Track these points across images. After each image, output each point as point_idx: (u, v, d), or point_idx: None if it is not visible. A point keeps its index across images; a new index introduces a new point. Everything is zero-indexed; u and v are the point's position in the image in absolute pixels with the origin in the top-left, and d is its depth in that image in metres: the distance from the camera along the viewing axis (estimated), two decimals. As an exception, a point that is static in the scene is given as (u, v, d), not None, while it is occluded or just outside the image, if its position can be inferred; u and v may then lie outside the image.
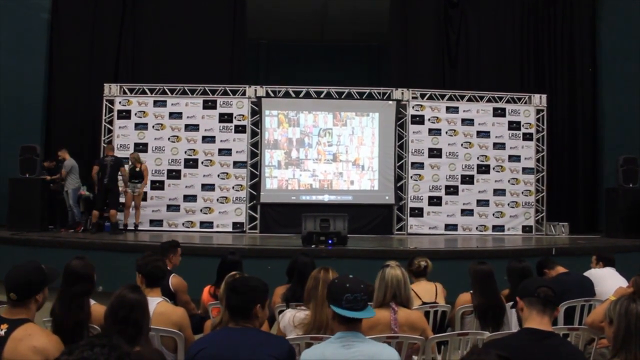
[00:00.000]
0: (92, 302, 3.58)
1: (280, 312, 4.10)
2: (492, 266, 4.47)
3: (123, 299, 2.87)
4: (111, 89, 11.61)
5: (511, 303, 4.29)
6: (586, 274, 5.31)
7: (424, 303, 4.54)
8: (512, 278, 4.63)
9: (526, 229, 11.94)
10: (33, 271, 2.96)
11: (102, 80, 11.77)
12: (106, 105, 11.58)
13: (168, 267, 5.30)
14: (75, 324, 3.23)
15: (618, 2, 12.59)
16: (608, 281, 5.00)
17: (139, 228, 10.86)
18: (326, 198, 11.64)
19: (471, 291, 4.46)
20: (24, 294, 2.87)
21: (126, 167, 10.68)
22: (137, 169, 10.60)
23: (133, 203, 10.73)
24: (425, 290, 4.68)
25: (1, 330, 2.75)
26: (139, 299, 2.92)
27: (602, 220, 11.91)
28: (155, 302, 3.76)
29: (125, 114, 11.58)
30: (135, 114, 11.57)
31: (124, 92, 11.66)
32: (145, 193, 11.30)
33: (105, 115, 11.57)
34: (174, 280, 4.94)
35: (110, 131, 11.56)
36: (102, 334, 2.76)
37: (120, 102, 11.59)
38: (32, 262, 3.07)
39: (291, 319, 3.66)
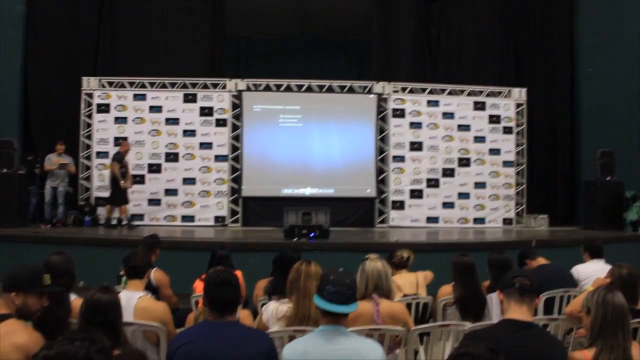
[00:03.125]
0: (73, 296, 3.55)
1: (263, 305, 4.10)
2: (473, 258, 4.51)
3: (98, 302, 2.83)
4: (90, 83, 11.47)
5: (493, 294, 4.36)
6: (572, 270, 5.35)
7: (405, 295, 4.57)
8: (493, 270, 4.68)
9: (507, 221, 12.06)
10: (27, 270, 2.92)
11: (80, 73, 11.60)
12: (85, 99, 11.43)
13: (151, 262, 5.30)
14: (55, 320, 3.19)
15: (596, -4, 12.73)
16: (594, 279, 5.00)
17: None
18: (308, 191, 11.63)
19: (453, 283, 4.50)
20: (6, 287, 2.84)
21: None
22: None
23: None
24: (407, 282, 4.71)
25: None
26: (113, 298, 2.90)
27: (580, 212, 12.08)
28: (136, 296, 3.74)
29: (104, 108, 11.45)
30: (115, 108, 11.45)
31: (103, 86, 11.52)
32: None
33: (84, 109, 11.43)
34: (156, 275, 4.92)
35: (89, 125, 11.42)
36: (82, 329, 2.73)
37: (99, 96, 11.45)
38: (38, 266, 3.05)
39: (274, 312, 3.66)
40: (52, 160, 10.45)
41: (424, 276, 4.90)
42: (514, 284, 2.82)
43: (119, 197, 10.31)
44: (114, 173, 10.24)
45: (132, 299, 3.71)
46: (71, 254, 3.83)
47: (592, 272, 5.14)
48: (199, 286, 4.65)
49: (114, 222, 10.46)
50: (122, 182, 10.19)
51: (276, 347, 2.99)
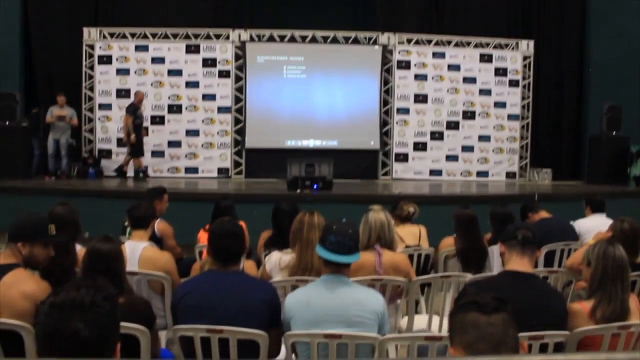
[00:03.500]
0: (78, 247, 3.59)
1: (266, 255, 4.15)
2: (475, 211, 4.53)
3: (99, 252, 2.87)
4: (90, 34, 11.31)
5: (494, 246, 4.39)
6: (574, 225, 5.36)
7: (407, 247, 4.61)
8: (495, 222, 4.70)
9: (510, 175, 12.06)
10: (32, 220, 2.95)
11: (81, 24, 11.43)
12: (86, 50, 11.30)
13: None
14: (61, 269, 3.24)
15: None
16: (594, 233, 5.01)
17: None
18: (311, 143, 11.61)
19: (454, 235, 4.53)
20: (13, 237, 2.87)
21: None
22: None
23: None
24: (410, 233, 4.75)
25: None
26: (114, 248, 2.93)
27: (584, 167, 12.03)
28: (141, 246, 3.79)
29: (106, 60, 11.32)
30: (117, 59, 11.32)
31: (104, 37, 11.36)
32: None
33: (86, 61, 11.31)
34: (160, 226, 4.96)
35: (91, 77, 11.32)
36: (87, 276, 2.78)
37: (100, 47, 11.31)
38: (43, 216, 3.08)
39: (277, 262, 3.71)
40: (53, 113, 10.39)
41: (425, 229, 4.92)
42: (516, 236, 2.84)
43: (134, 148, 10.25)
44: (127, 126, 10.16)
45: (136, 249, 3.76)
46: (76, 205, 3.85)
47: (593, 226, 5.15)
48: (202, 237, 4.70)
49: (130, 173, 10.45)
50: (132, 135, 10.05)
51: (279, 295, 3.04)
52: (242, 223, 3.57)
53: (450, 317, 1.71)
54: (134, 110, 10.16)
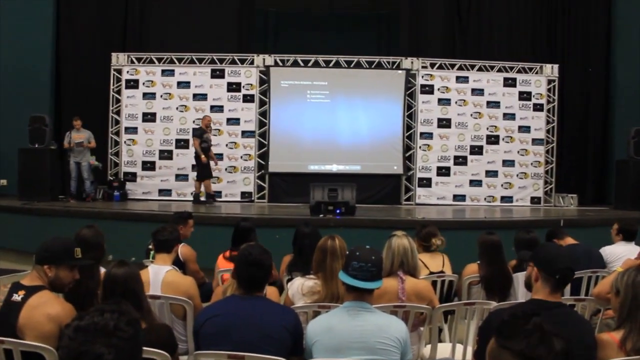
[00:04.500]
0: (102, 270, 3.62)
1: (288, 280, 4.14)
2: (500, 237, 4.47)
3: (114, 277, 2.91)
4: (119, 59, 11.57)
5: (519, 273, 4.32)
6: (601, 251, 5.26)
7: (431, 273, 4.56)
8: (520, 249, 4.64)
9: (535, 200, 11.92)
10: (59, 244, 2.99)
11: (109, 49, 11.72)
12: (114, 74, 11.55)
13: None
14: (85, 292, 3.27)
15: (634, -29, 12.31)
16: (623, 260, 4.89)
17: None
18: (334, 168, 11.63)
19: (478, 261, 4.47)
20: (39, 260, 2.92)
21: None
22: None
23: None
24: (433, 260, 4.70)
25: (18, 296, 2.81)
26: (130, 271, 2.96)
27: (611, 192, 11.84)
28: (164, 270, 3.81)
29: (133, 84, 11.55)
30: (143, 84, 11.54)
31: (132, 62, 11.61)
32: (154, 162, 11.41)
33: (113, 85, 11.55)
34: (183, 250, 4.98)
35: (118, 101, 11.55)
36: (112, 301, 2.80)
37: (127, 72, 11.55)
38: (70, 240, 3.12)
39: (300, 287, 3.69)
40: (71, 137, 10.51)
41: (448, 258, 4.86)
42: (555, 274, 2.68)
43: (201, 171, 10.35)
44: (195, 148, 10.27)
45: (159, 273, 3.78)
46: (101, 228, 3.90)
47: (621, 253, 5.05)
48: (221, 263, 4.71)
49: (202, 198, 10.47)
50: (202, 157, 10.18)
51: (301, 322, 3.02)
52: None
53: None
54: (200, 134, 10.27)
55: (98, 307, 1.53)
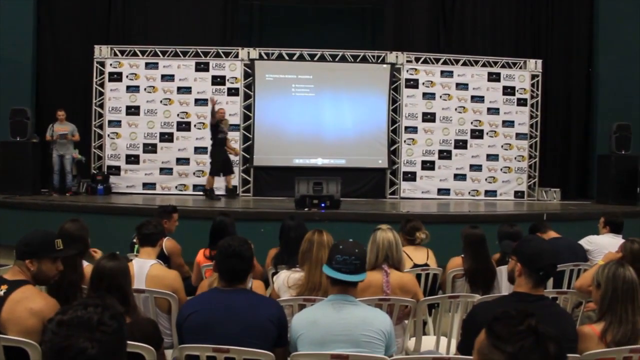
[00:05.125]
0: (86, 263, 3.61)
1: (274, 274, 4.14)
2: (484, 231, 4.51)
3: (103, 269, 2.90)
4: (102, 51, 11.44)
5: (502, 266, 4.36)
6: (585, 239, 5.31)
7: (415, 265, 4.59)
8: (503, 242, 4.69)
9: (518, 194, 12.01)
10: (39, 237, 2.96)
11: (92, 41, 11.59)
12: (97, 67, 11.43)
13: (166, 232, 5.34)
14: (69, 285, 3.25)
15: (616, -34, 12.41)
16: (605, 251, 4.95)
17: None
18: (319, 162, 11.62)
19: (462, 255, 4.51)
20: (20, 255, 2.88)
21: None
22: None
23: None
24: (417, 253, 4.72)
25: (1, 290, 2.78)
26: (120, 265, 2.95)
27: (593, 186, 11.98)
28: (148, 264, 3.80)
29: (116, 77, 11.44)
30: (127, 77, 11.44)
31: (115, 54, 11.49)
32: (138, 156, 11.33)
33: (96, 78, 11.43)
34: (167, 244, 4.96)
35: (101, 94, 11.43)
36: (96, 295, 2.79)
37: (111, 64, 11.43)
38: (49, 231, 3.08)
39: (285, 280, 3.70)
40: (54, 130, 10.37)
41: (432, 253, 4.89)
42: (540, 270, 2.69)
43: (215, 167, 10.31)
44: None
45: (144, 267, 3.76)
46: (85, 221, 3.87)
47: (606, 244, 5.12)
48: (201, 260, 4.70)
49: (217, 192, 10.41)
50: (235, 150, 10.51)
51: (287, 315, 3.02)
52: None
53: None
54: (216, 125, 10.22)
55: (82, 301, 1.52)
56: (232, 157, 10.69)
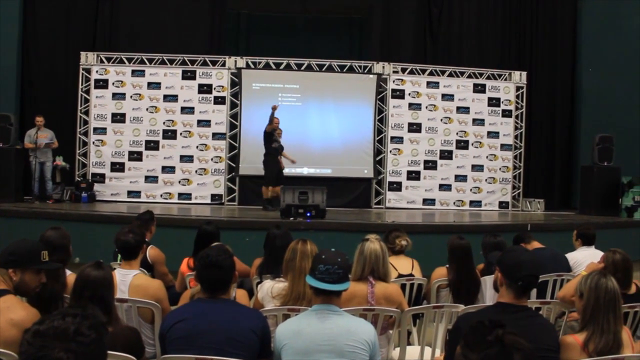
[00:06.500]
0: (68, 272, 3.56)
1: (258, 283, 4.12)
2: (469, 241, 4.52)
3: (87, 278, 2.85)
4: (88, 58, 11.38)
5: (487, 277, 4.38)
6: (567, 256, 5.35)
7: (400, 275, 4.59)
8: (487, 252, 4.71)
9: (503, 204, 12.10)
10: (25, 247, 2.92)
11: (78, 48, 11.52)
12: (83, 74, 11.36)
13: (147, 239, 5.29)
14: (50, 295, 3.20)
15: (600, -19, 12.63)
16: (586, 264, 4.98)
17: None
18: (305, 171, 11.62)
19: (447, 265, 4.52)
20: (4, 263, 2.84)
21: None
22: None
23: None
24: (403, 262, 4.73)
25: None
26: (104, 275, 2.91)
27: (577, 197, 12.10)
28: (131, 274, 3.76)
29: (102, 84, 11.38)
30: (113, 84, 11.38)
31: (101, 61, 11.44)
32: (123, 164, 11.25)
33: (82, 85, 11.36)
34: (151, 252, 4.93)
35: (87, 101, 11.36)
36: (77, 304, 2.75)
37: (97, 71, 11.37)
38: (36, 242, 3.04)
39: (269, 290, 3.68)
40: (32, 137, 10.26)
41: (418, 263, 4.89)
42: (519, 281, 2.70)
43: (270, 176, 10.16)
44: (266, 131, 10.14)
45: (127, 276, 3.73)
46: (67, 229, 3.83)
47: (582, 258, 5.16)
48: (185, 269, 4.67)
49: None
50: (291, 159, 10.44)
51: (271, 325, 3.01)
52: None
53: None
54: (270, 134, 10.14)
55: (60, 311, 1.50)
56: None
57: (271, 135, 10.14)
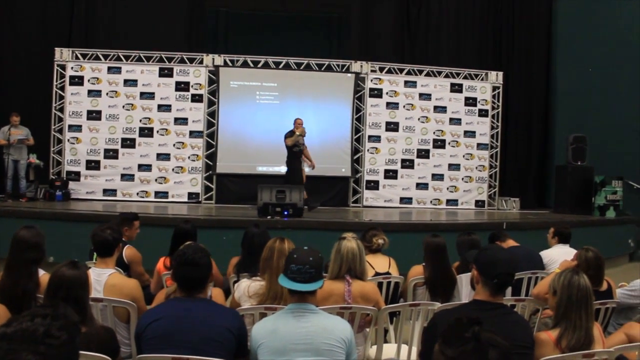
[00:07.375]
0: (42, 272, 3.51)
1: (235, 282, 4.11)
2: (445, 239, 4.56)
3: (62, 277, 2.81)
4: (63, 54, 11.21)
5: (463, 275, 4.42)
6: (542, 254, 5.43)
7: (377, 273, 4.61)
8: (462, 250, 4.75)
9: (479, 203, 12.22)
10: None
11: (53, 44, 11.34)
12: (57, 70, 11.19)
13: (130, 239, 5.24)
14: (23, 293, 3.16)
15: (575, -17, 12.82)
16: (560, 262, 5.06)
17: None
18: (283, 169, 11.57)
19: (423, 263, 4.55)
20: None
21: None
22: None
23: None
24: (380, 262, 4.75)
25: None
26: (79, 274, 2.86)
27: (551, 196, 12.28)
28: (107, 273, 3.72)
29: (77, 80, 11.21)
30: (89, 81, 11.22)
31: (77, 57, 11.27)
32: (99, 162, 11.12)
33: (57, 81, 11.19)
34: (128, 252, 4.88)
35: (61, 97, 11.20)
36: (48, 304, 2.70)
37: (72, 68, 11.21)
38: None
39: (246, 289, 3.67)
40: (5, 133, 10.09)
41: (395, 262, 4.92)
42: (494, 279, 2.73)
43: (292, 177, 10.05)
44: (287, 145, 10.09)
45: (102, 276, 3.68)
46: (42, 228, 3.76)
47: (557, 256, 5.25)
48: (161, 268, 4.63)
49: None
50: (311, 161, 10.37)
51: (247, 324, 3.00)
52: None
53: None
54: (291, 134, 10.06)
55: (30, 312, 1.44)
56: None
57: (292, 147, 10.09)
